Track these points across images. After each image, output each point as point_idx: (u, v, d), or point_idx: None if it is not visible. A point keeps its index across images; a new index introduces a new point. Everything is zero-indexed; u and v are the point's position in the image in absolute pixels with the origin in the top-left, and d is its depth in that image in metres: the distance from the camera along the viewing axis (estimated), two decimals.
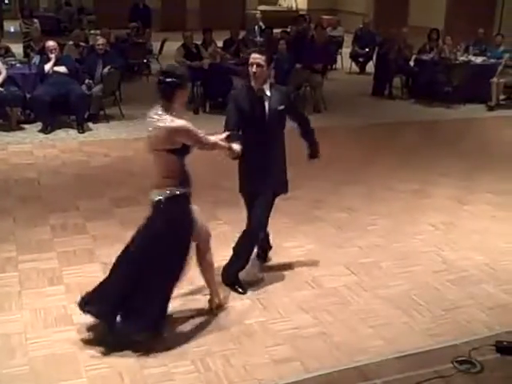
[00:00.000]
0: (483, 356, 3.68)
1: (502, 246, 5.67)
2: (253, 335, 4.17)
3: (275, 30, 13.43)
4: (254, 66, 4.38)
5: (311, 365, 3.86)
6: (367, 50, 14.46)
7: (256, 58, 4.39)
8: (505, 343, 3.65)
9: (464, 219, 6.30)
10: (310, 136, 4.87)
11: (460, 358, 3.63)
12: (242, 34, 13.48)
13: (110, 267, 4.18)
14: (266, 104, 4.49)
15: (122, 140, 8.75)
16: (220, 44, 11.91)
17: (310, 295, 4.70)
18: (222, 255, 5.06)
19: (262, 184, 4.58)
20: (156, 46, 13.97)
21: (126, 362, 3.83)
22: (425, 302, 4.64)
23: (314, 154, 4.91)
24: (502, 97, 11.62)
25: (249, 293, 4.69)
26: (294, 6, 23.99)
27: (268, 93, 4.50)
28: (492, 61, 12.02)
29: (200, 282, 4.77)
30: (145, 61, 13.08)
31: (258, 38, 13.41)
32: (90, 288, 4.11)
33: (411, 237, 5.82)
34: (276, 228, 5.57)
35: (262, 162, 4.54)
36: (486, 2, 15.53)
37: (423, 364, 3.73)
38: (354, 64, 14.89)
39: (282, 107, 4.50)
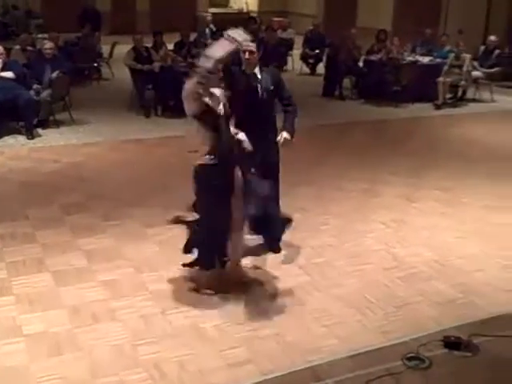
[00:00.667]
0: (432, 352, 3.76)
1: (449, 242, 5.81)
2: (208, 339, 4.17)
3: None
4: (247, 52, 4.83)
5: (266, 367, 3.88)
6: (317, 51, 14.61)
7: (249, 45, 4.81)
8: (452, 338, 3.74)
9: (413, 216, 6.43)
10: (291, 116, 5.27)
11: (409, 355, 3.70)
12: (193, 36, 13.46)
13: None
14: (259, 86, 4.99)
15: (71, 146, 8.62)
16: (171, 47, 11.87)
17: (264, 296, 4.72)
18: (171, 261, 5.08)
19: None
20: (106, 49, 13.83)
21: (77, 373, 3.78)
22: (376, 299, 4.72)
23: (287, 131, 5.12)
24: (448, 96, 11.91)
25: (203, 296, 4.69)
26: (244, 8, 24.03)
27: (259, 76, 5.01)
28: (438, 60, 12.31)
29: (151, 286, 4.78)
30: (95, 65, 12.91)
31: (210, 41, 13.36)
32: (39, 298, 4.04)
33: (362, 235, 5.91)
34: None
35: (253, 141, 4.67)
36: (431, 3, 15.87)
37: (374, 362, 3.79)
38: (304, 65, 15.02)
39: (272, 87, 5.04)
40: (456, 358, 3.68)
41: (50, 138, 8.93)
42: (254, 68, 5.00)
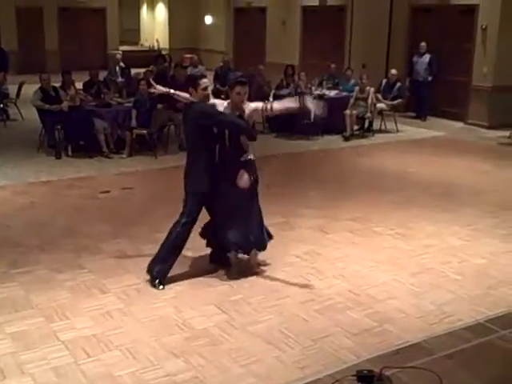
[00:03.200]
0: None
1: (362, 271, 5.94)
2: None
3: (136, 70, 13.42)
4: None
5: None
6: (227, 87, 14.75)
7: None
8: (365, 372, 3.78)
9: (327, 248, 6.54)
10: None
11: None
12: (103, 74, 13.34)
13: None
14: None
15: None
16: (81, 86, 11.69)
17: (180, 339, 4.64)
18: (82, 307, 4.94)
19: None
20: (14, 89, 13.46)
21: None
22: (294, 334, 4.73)
23: None
24: (355, 127, 12.31)
25: (116, 343, 4.55)
26: (155, 45, 24.12)
27: None
28: (344, 94, 12.75)
29: (63, 336, 4.61)
30: (1, 105, 12.52)
31: (120, 79, 13.29)
32: None
33: (279, 269, 5.95)
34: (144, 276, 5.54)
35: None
36: (335, 40, 16.48)
37: None
38: None
39: None
40: None
41: None
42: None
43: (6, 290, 5.39)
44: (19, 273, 5.74)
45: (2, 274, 5.70)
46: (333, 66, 13.91)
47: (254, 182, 5.58)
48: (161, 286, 5.43)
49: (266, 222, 5.86)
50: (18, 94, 13.32)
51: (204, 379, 4.14)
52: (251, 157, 5.59)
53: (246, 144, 5.50)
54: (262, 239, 5.76)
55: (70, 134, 10.25)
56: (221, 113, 5.43)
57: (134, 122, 10.36)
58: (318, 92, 12.49)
